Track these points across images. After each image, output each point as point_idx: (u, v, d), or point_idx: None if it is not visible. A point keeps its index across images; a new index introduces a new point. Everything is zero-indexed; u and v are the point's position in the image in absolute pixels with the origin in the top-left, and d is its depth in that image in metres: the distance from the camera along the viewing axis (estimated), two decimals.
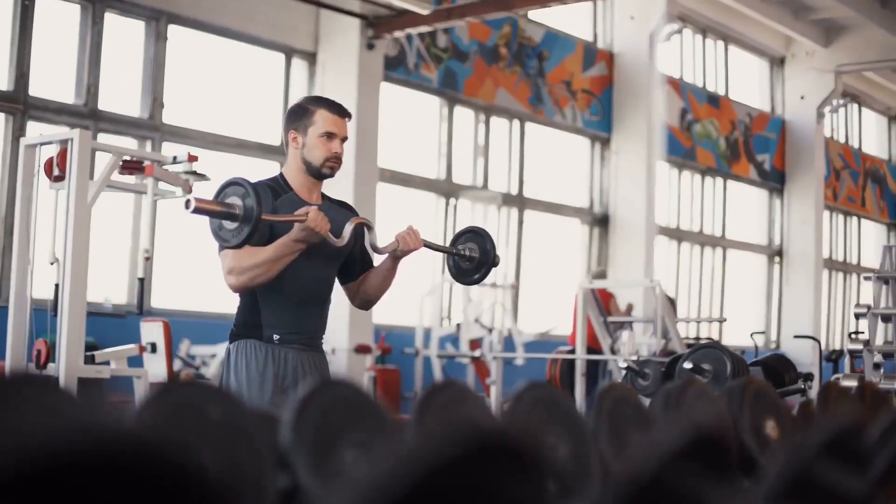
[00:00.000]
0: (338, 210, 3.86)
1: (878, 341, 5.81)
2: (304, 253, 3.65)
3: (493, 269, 3.95)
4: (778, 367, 6.10)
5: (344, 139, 3.78)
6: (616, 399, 2.10)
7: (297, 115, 3.80)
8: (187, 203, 3.27)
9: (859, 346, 5.34)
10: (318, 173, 3.77)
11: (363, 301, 3.95)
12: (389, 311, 11.25)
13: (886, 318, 5.40)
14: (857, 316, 5.48)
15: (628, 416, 2.08)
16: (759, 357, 6.48)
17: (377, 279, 3.90)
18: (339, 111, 3.79)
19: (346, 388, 1.63)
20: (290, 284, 3.68)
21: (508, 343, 11.24)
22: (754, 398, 2.38)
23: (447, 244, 3.98)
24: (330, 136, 3.74)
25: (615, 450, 1.98)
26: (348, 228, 3.69)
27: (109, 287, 9.61)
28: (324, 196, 3.88)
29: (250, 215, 3.31)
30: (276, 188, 3.74)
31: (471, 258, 3.91)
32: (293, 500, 1.56)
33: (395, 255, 3.80)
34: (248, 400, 3.48)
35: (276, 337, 3.72)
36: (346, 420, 1.62)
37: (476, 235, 3.95)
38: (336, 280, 3.91)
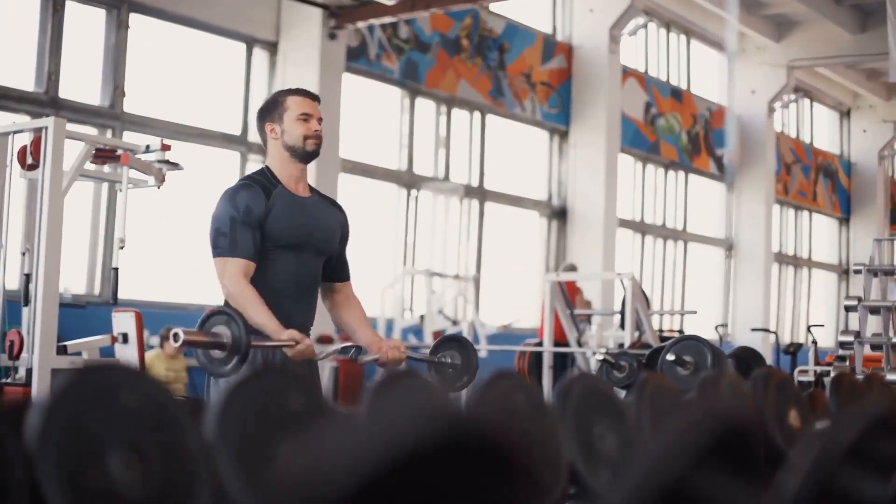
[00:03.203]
0: (328, 208, 3.89)
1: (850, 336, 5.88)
2: (294, 248, 3.68)
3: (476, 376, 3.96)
4: (749, 360, 6.21)
5: (319, 119, 3.80)
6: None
7: (270, 108, 3.84)
8: (175, 336, 3.31)
9: (850, 338, 5.40)
10: (304, 153, 3.78)
11: (331, 314, 3.96)
12: None
13: (875, 311, 5.47)
14: (848, 308, 5.55)
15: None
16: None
17: (350, 326, 3.89)
18: (309, 94, 3.86)
19: (512, 378, 1.69)
20: (282, 278, 3.68)
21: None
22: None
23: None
24: (306, 117, 3.77)
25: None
26: (329, 350, 3.75)
27: (68, 277, 9.47)
28: (312, 189, 3.88)
29: (238, 345, 3.31)
30: (266, 183, 3.73)
31: (453, 365, 3.90)
32: None
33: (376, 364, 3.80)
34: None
35: None
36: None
37: (456, 343, 3.95)
38: None
